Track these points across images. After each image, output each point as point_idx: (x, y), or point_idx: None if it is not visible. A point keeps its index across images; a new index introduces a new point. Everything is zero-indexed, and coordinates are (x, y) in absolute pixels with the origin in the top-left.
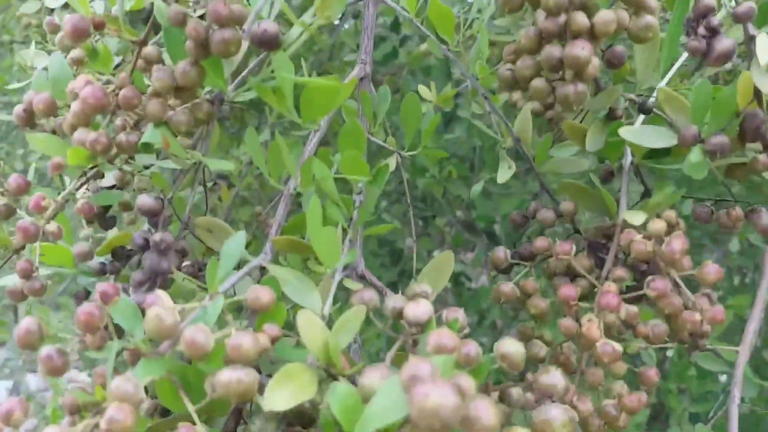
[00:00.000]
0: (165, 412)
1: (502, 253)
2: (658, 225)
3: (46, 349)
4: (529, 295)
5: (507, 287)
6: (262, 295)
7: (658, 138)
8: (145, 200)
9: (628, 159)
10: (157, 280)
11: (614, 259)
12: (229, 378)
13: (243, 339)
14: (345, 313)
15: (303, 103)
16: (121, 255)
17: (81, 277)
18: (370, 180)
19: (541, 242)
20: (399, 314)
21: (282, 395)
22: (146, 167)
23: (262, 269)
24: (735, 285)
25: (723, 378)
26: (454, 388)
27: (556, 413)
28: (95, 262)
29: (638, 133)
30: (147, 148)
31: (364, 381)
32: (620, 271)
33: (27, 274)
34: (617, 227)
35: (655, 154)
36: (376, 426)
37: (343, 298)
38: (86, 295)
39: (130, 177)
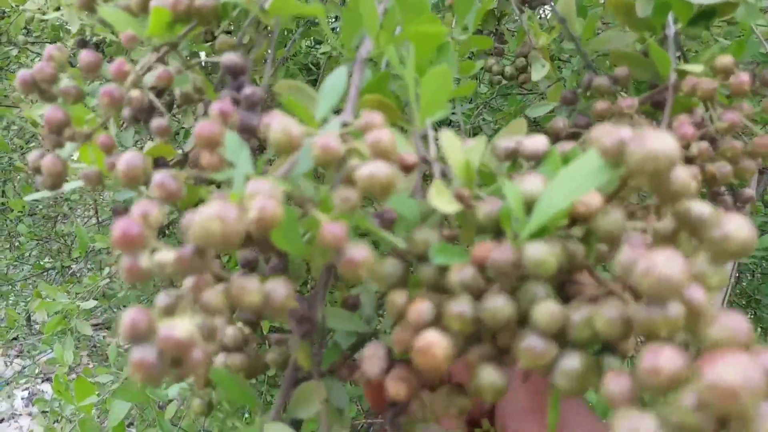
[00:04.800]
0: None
1: (561, 122)
2: (726, 60)
3: (159, 175)
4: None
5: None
6: (375, 118)
7: None
8: (231, 57)
9: (671, 30)
10: (249, 139)
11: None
12: (373, 169)
13: (382, 134)
14: (473, 142)
15: None
16: (162, 167)
17: (118, 192)
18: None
19: (601, 104)
20: (512, 154)
21: (439, 201)
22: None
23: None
24: None
25: None
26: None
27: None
28: None
29: None
30: (225, 10)
31: (524, 187)
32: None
33: (109, 149)
34: (670, 87)
35: (700, 18)
36: (577, 195)
37: None
38: (125, 210)
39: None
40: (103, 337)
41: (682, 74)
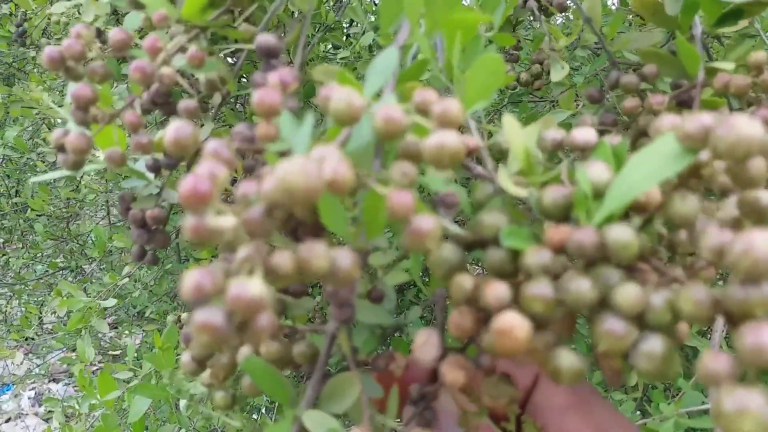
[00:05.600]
0: None
1: (589, 119)
2: (759, 56)
3: (212, 143)
4: None
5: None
6: (430, 94)
7: None
8: (267, 38)
9: (698, 29)
10: None
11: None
12: (442, 139)
13: (451, 104)
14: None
15: None
16: None
17: (126, 180)
18: None
19: (630, 102)
20: (558, 145)
21: (509, 185)
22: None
23: None
24: None
25: None
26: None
27: None
28: (147, 157)
29: None
30: None
31: (591, 173)
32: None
33: (135, 128)
34: (698, 85)
35: (727, 17)
36: (655, 179)
37: None
38: (133, 198)
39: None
40: (111, 337)
41: (711, 72)
